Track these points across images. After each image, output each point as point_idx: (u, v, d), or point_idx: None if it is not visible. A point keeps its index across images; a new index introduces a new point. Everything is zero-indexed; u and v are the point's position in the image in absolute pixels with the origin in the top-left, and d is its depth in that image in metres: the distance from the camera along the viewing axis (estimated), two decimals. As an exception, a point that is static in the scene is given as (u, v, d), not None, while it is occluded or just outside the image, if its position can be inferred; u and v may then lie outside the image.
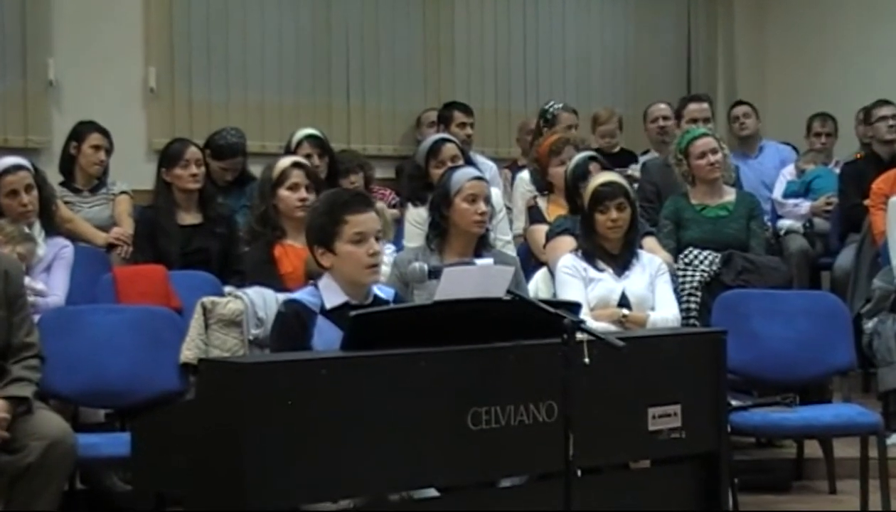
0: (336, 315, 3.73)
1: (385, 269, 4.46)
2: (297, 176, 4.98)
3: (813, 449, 5.49)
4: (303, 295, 3.86)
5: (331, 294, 3.81)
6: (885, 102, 7.36)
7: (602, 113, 7.72)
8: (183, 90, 7.15)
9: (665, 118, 7.41)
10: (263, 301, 4.29)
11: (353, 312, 3.41)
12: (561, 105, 7.25)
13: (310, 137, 6.00)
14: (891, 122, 7.19)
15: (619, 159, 7.25)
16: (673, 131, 7.07)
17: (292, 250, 4.85)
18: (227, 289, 4.73)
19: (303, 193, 4.93)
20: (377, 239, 3.83)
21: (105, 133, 6.17)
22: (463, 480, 3.52)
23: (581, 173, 5.51)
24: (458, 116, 7.35)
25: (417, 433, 3.32)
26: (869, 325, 5.92)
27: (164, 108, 7.09)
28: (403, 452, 3.30)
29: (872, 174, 6.81)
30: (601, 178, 5.14)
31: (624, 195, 5.03)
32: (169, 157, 5.75)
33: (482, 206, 4.73)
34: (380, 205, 6.27)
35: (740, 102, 8.22)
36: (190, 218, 5.74)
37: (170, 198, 5.73)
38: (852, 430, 4.90)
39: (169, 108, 7.10)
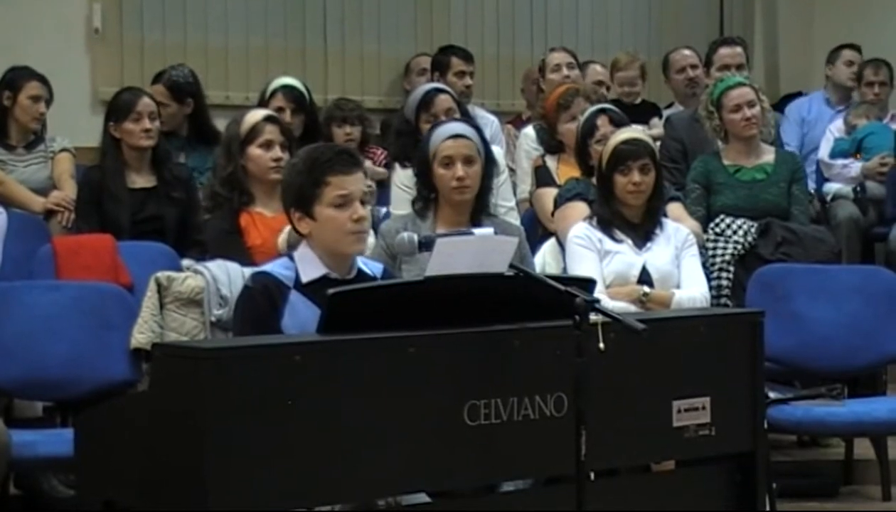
0: (313, 290, 3.74)
1: (371, 240, 4.47)
2: (270, 132, 4.97)
3: (864, 449, 5.52)
4: (274, 267, 3.87)
5: (308, 266, 3.82)
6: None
7: (621, 57, 7.71)
8: (133, 31, 7.15)
9: (693, 67, 7.40)
10: (227, 277, 4.29)
11: (331, 290, 3.41)
12: (552, 47, 7.26)
13: (285, 88, 5.98)
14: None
15: (639, 112, 7.25)
16: (702, 82, 7.07)
17: (261, 219, 4.85)
18: (186, 263, 4.75)
19: (277, 152, 4.92)
20: (363, 203, 3.84)
21: (44, 81, 6.16)
22: (459, 484, 3.54)
23: (589, 129, 5.51)
24: (456, 64, 7.34)
25: (406, 430, 3.33)
26: (929, 305, 5.95)
27: (112, 52, 7.09)
28: (390, 451, 3.31)
29: (936, 130, 6.83)
30: (622, 134, 5.14)
31: (649, 155, 5.05)
32: (117, 109, 5.75)
33: (459, 170, 4.72)
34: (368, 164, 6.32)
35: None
36: (142, 180, 5.74)
37: (118, 157, 5.73)
38: (910, 427, 4.93)
39: (117, 52, 7.10)
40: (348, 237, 3.81)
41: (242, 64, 7.41)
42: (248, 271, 4.16)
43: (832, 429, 5.12)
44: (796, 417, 4.87)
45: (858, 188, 7.35)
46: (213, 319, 4.26)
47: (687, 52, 7.55)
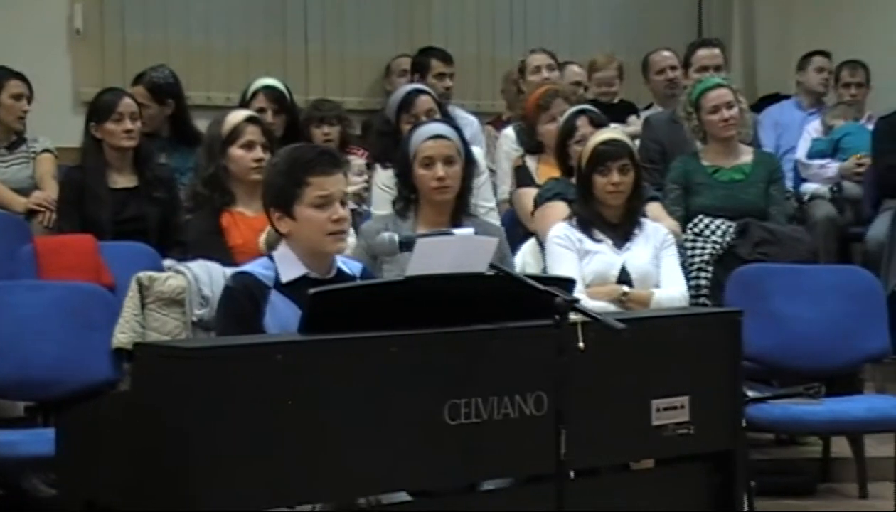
0: (293, 290, 3.74)
1: (351, 239, 4.47)
2: (251, 132, 4.97)
3: (841, 447, 5.53)
4: (254, 267, 3.87)
5: (287, 265, 3.82)
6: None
7: (599, 58, 7.73)
8: (114, 32, 7.12)
9: (672, 68, 7.41)
10: (209, 277, 4.29)
11: (313, 290, 3.41)
12: (531, 49, 7.26)
13: (266, 89, 5.99)
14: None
15: (617, 111, 7.26)
16: (681, 83, 7.08)
17: (242, 219, 4.85)
18: (167, 263, 4.73)
19: (258, 153, 4.91)
20: (343, 204, 3.84)
21: (24, 79, 6.14)
22: (439, 483, 3.54)
23: (569, 129, 5.53)
24: (437, 66, 7.34)
25: (386, 429, 3.33)
26: (906, 304, 5.97)
27: (93, 53, 7.06)
28: (370, 450, 3.30)
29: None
30: (602, 135, 5.15)
31: (628, 156, 5.06)
32: (99, 109, 5.73)
33: (439, 171, 4.72)
34: (358, 162, 6.33)
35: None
36: (124, 181, 5.73)
37: (100, 157, 5.71)
38: (887, 425, 4.94)
39: (98, 53, 7.07)
40: (327, 237, 3.81)
41: (224, 65, 7.40)
42: (229, 271, 4.15)
43: (810, 427, 5.13)
44: (774, 415, 4.88)
45: (835, 188, 7.37)
46: (194, 318, 4.25)
47: (666, 53, 7.56)
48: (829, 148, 7.53)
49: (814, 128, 7.73)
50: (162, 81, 6.44)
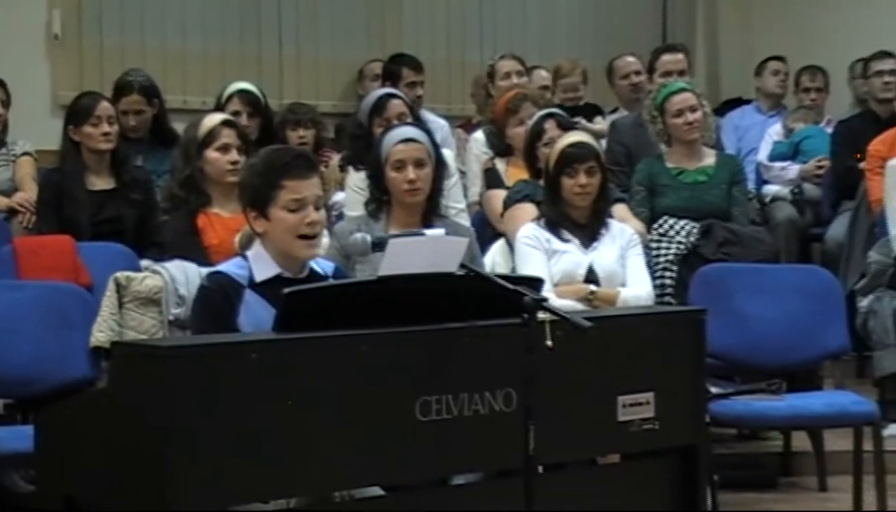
0: (267, 289, 3.74)
1: (325, 240, 4.46)
2: (227, 135, 4.95)
3: (802, 441, 5.55)
4: (229, 266, 3.87)
5: (261, 265, 3.82)
6: (887, 54, 7.38)
7: (564, 64, 7.73)
8: (92, 36, 7.10)
9: (637, 73, 7.42)
10: (185, 277, 4.27)
11: (287, 290, 3.41)
12: (500, 54, 7.26)
13: (241, 93, 5.99)
14: (887, 78, 7.24)
15: (583, 113, 7.28)
16: (645, 87, 7.10)
17: (218, 220, 4.83)
18: (144, 263, 4.71)
19: (234, 156, 4.90)
20: (317, 208, 3.83)
21: (2, 85, 6.11)
22: (411, 477, 3.54)
23: (537, 132, 5.54)
24: (408, 74, 7.32)
25: (360, 425, 3.33)
26: (864, 303, 5.98)
27: (71, 57, 7.03)
28: (344, 446, 3.30)
29: (869, 134, 6.86)
30: (569, 138, 5.16)
31: (595, 158, 5.07)
32: (77, 113, 5.71)
33: (410, 173, 4.72)
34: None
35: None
36: (101, 182, 5.71)
37: (78, 159, 5.69)
38: (845, 420, 4.96)
39: (76, 58, 7.05)
40: (298, 241, 3.80)
41: (200, 69, 7.38)
42: (205, 271, 4.14)
43: (771, 422, 5.15)
44: (737, 411, 4.89)
45: (796, 190, 7.40)
46: (171, 317, 4.24)
47: (630, 58, 7.56)
48: (790, 151, 7.57)
49: (775, 131, 7.76)
50: (147, 82, 6.42)
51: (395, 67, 7.42)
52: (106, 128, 5.67)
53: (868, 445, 4.85)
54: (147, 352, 3.29)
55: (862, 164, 6.75)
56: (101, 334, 4.36)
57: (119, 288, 4.32)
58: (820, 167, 7.39)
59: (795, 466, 5.59)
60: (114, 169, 5.73)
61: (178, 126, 6.19)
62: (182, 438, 3.06)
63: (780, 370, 5.24)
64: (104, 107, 5.72)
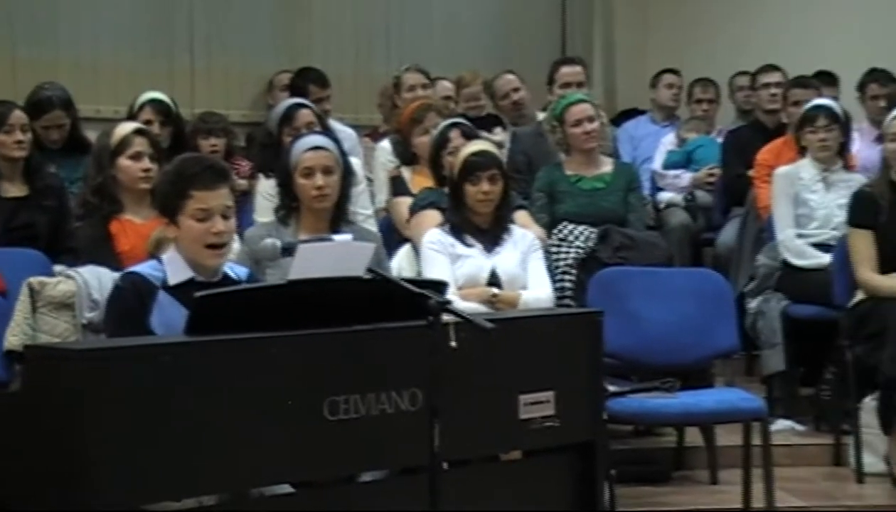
0: (180, 292, 3.72)
1: (235, 245, 4.43)
2: (139, 144, 4.91)
3: (694, 437, 5.60)
4: (144, 268, 3.85)
5: (175, 268, 3.80)
6: (773, 68, 7.50)
7: (465, 75, 7.71)
8: (4, 49, 6.98)
9: (515, 90, 7.41)
10: (98, 282, 4.23)
11: (198, 293, 3.39)
12: (405, 67, 7.26)
13: (153, 102, 5.94)
14: (773, 90, 7.34)
15: (483, 124, 7.28)
16: (527, 102, 7.13)
17: (131, 226, 4.79)
18: (58, 268, 4.65)
19: (146, 163, 4.85)
20: (226, 217, 3.81)
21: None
22: (319, 475, 3.53)
23: (441, 141, 5.55)
24: (314, 91, 7.23)
25: (269, 425, 3.31)
26: (752, 304, 6.07)
27: (-16, 68, 6.92)
28: (254, 445, 3.29)
29: (757, 144, 6.95)
30: (472, 147, 5.18)
31: (497, 166, 5.09)
32: (-10, 122, 5.63)
33: (319, 180, 4.72)
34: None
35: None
36: (15, 190, 5.63)
37: (-9, 167, 5.61)
38: (735, 416, 5.01)
39: (-10, 69, 6.94)
40: (206, 249, 3.79)
41: (112, 79, 7.29)
42: (118, 276, 4.10)
43: (665, 419, 5.18)
44: (633, 408, 4.92)
45: (689, 197, 7.47)
46: (84, 321, 4.19)
47: (510, 76, 7.49)
48: (683, 159, 7.64)
49: (669, 141, 7.83)
50: (64, 95, 6.32)
51: (302, 83, 7.35)
52: (19, 136, 5.59)
53: (756, 440, 4.91)
54: (60, 355, 3.25)
55: (750, 173, 6.84)
56: (14, 338, 4.30)
57: (32, 293, 4.27)
58: (711, 175, 7.46)
59: (688, 461, 5.64)
60: (27, 176, 5.65)
61: (92, 135, 6.11)
62: (95, 440, 3.03)
63: (674, 369, 5.28)
64: (17, 115, 5.64)
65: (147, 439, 3.11)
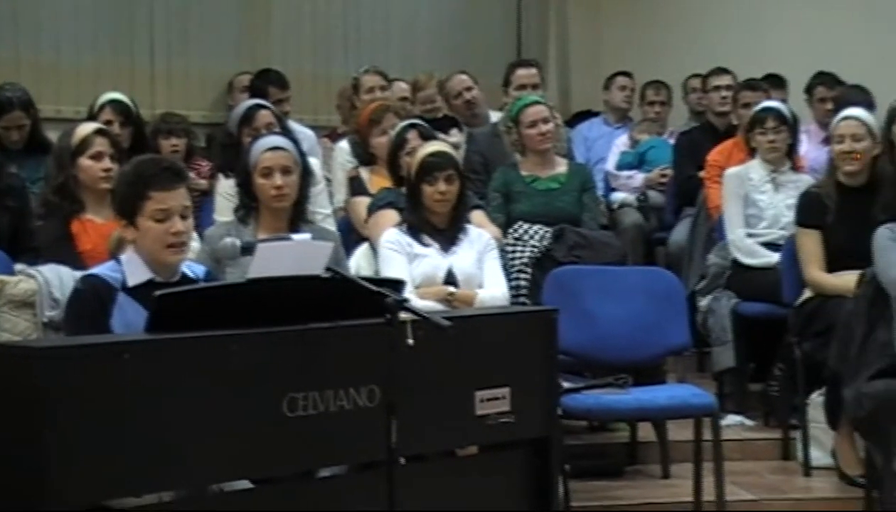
0: (140, 293, 3.71)
1: (195, 244, 4.42)
2: (100, 144, 4.89)
3: (647, 432, 5.62)
4: (103, 270, 3.83)
5: (134, 270, 3.79)
6: (723, 71, 7.54)
7: (421, 78, 7.70)
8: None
9: (468, 89, 7.40)
10: (59, 280, 4.22)
11: (158, 291, 3.38)
12: (364, 68, 7.25)
13: (113, 102, 5.91)
14: (724, 93, 7.39)
15: (440, 126, 7.27)
16: (480, 101, 7.14)
17: (92, 226, 4.77)
18: (19, 267, 4.61)
19: (107, 163, 4.84)
20: (184, 217, 3.81)
21: None
22: (278, 471, 3.53)
23: (399, 142, 5.56)
24: (274, 92, 7.21)
25: (229, 421, 3.31)
26: (703, 302, 6.10)
27: (-56, 69, 6.86)
28: (214, 442, 3.28)
29: (708, 145, 6.99)
30: (429, 148, 5.18)
31: (453, 167, 5.10)
32: (-49, 123, 5.58)
33: (278, 180, 4.71)
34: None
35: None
36: (-25, 190, 5.58)
37: (-48, 167, 5.55)
38: (687, 412, 5.03)
39: (-52, 68, 6.87)
40: (165, 249, 3.79)
41: (73, 80, 7.24)
42: (79, 275, 4.08)
43: (618, 415, 5.21)
44: (587, 404, 4.94)
45: (641, 197, 7.50)
46: (45, 319, 4.18)
47: (462, 76, 7.43)
48: (636, 160, 7.68)
49: (622, 142, 7.86)
50: (25, 97, 6.28)
51: (262, 85, 7.33)
52: (-21, 137, 5.55)
53: (707, 435, 4.94)
54: (21, 352, 3.23)
55: (701, 173, 6.87)
56: (-25, 337, 4.28)
57: (-7, 291, 4.24)
58: (663, 176, 7.50)
59: (641, 455, 5.66)
60: (-12, 176, 5.61)
61: (52, 135, 6.07)
62: (56, 437, 3.02)
63: (627, 366, 5.31)
64: (-23, 117, 5.60)
65: (108, 436, 3.09)
